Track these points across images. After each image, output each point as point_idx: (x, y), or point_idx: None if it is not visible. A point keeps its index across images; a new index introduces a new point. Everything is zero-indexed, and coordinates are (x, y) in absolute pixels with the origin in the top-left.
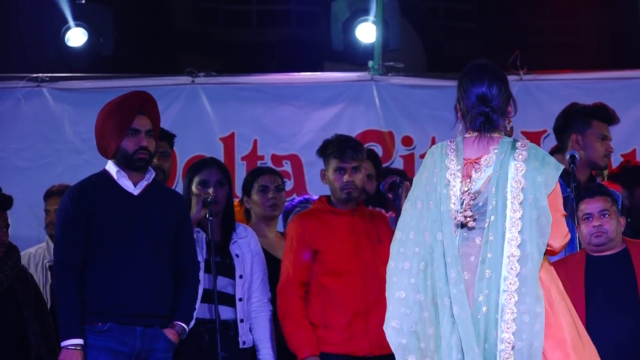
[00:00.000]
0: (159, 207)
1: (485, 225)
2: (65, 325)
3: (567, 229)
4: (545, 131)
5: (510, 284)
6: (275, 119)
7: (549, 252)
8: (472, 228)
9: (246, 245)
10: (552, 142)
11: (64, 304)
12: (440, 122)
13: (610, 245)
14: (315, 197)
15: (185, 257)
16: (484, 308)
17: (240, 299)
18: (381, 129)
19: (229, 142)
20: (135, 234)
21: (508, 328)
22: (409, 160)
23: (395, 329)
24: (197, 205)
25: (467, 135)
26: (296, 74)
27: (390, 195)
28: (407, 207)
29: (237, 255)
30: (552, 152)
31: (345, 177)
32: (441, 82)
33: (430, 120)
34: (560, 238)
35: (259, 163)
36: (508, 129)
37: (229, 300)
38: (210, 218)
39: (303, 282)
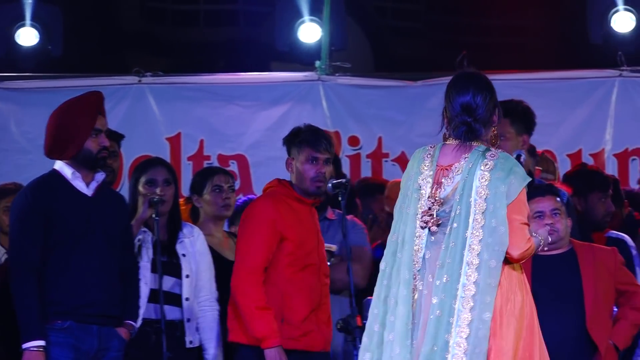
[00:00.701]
0: (111, 208)
1: (447, 231)
2: (26, 327)
3: (527, 236)
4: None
5: (467, 290)
6: (222, 118)
7: (512, 260)
8: (436, 232)
9: (193, 245)
10: None
11: (24, 305)
12: (386, 122)
13: (559, 245)
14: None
15: (129, 257)
16: (438, 311)
17: (187, 299)
18: (328, 129)
19: (175, 142)
20: (93, 235)
21: (461, 332)
22: (355, 160)
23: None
24: (143, 205)
25: (448, 142)
26: (243, 74)
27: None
28: (394, 208)
29: (183, 255)
30: None
31: (318, 168)
32: (388, 82)
33: (377, 120)
34: (518, 247)
35: (205, 163)
36: (492, 136)
37: (176, 300)
38: (156, 218)
39: (265, 268)
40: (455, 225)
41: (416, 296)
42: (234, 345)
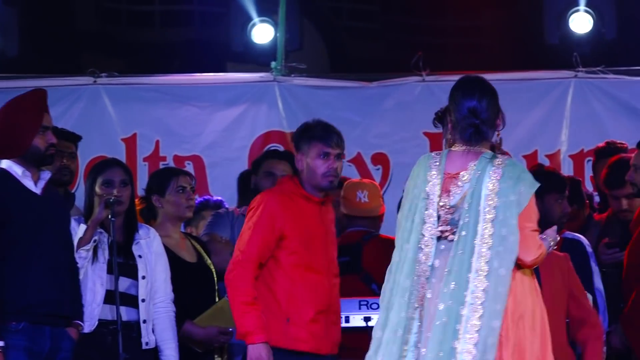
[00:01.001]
0: (59, 207)
1: (456, 239)
2: None
3: (539, 242)
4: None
5: (476, 297)
6: (178, 119)
7: (525, 266)
8: (451, 241)
9: (149, 246)
10: None
11: None
12: (342, 123)
13: None
14: (217, 198)
15: (73, 256)
16: (444, 318)
17: (143, 300)
18: (284, 130)
19: (130, 142)
20: (45, 234)
21: (470, 339)
22: None
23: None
24: (99, 205)
25: (453, 148)
26: (199, 74)
27: None
28: (399, 216)
29: (139, 256)
30: None
31: (330, 163)
32: (344, 83)
33: (333, 121)
34: (530, 253)
35: (161, 164)
36: (498, 140)
37: (132, 301)
38: (112, 219)
39: (261, 263)
40: (463, 233)
41: (425, 304)
42: None
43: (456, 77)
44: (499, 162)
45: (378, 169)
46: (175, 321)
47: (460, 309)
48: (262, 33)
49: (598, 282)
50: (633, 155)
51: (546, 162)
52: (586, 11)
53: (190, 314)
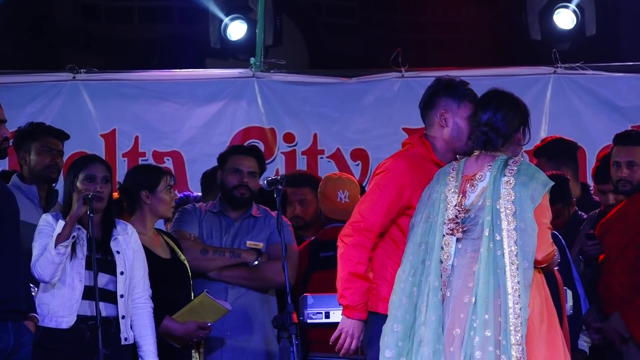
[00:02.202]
0: (13, 201)
1: (477, 237)
2: None
3: (550, 240)
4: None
5: (514, 289)
6: (157, 115)
7: (535, 263)
8: (462, 240)
9: (127, 242)
10: None
11: None
12: (322, 119)
13: None
14: (197, 193)
15: (21, 250)
16: (486, 315)
17: (122, 296)
18: (263, 126)
19: (110, 138)
20: (5, 229)
21: (517, 332)
22: (291, 156)
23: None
24: (77, 201)
25: (473, 154)
26: (178, 70)
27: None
28: (413, 221)
29: (118, 252)
30: None
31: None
32: (323, 79)
33: (312, 117)
34: (543, 249)
35: (140, 160)
36: (519, 155)
37: (110, 297)
38: (91, 215)
39: (380, 233)
40: (487, 230)
41: (444, 302)
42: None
43: (435, 73)
44: (514, 161)
45: (357, 165)
46: (153, 317)
47: (497, 301)
48: (236, 30)
49: (575, 272)
50: (612, 151)
51: (526, 158)
52: (566, 7)
53: (167, 309)
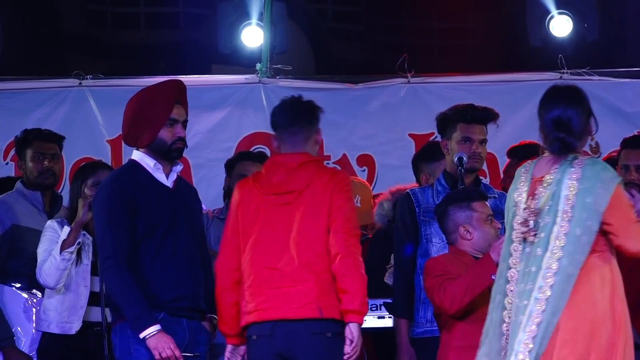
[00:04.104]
0: (190, 200)
1: (536, 240)
2: (138, 318)
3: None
4: (432, 134)
5: (541, 292)
6: None
7: (631, 255)
8: (532, 242)
9: None
10: None
11: (130, 298)
12: (328, 125)
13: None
14: None
15: (206, 249)
16: (520, 315)
17: None
18: (269, 132)
19: (116, 144)
20: (179, 228)
21: (530, 332)
22: None
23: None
24: (83, 207)
25: (544, 155)
26: (184, 76)
27: None
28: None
29: None
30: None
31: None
32: (329, 85)
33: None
34: (633, 241)
35: None
36: (594, 145)
37: None
38: None
39: None
40: (542, 234)
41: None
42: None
43: (441, 79)
44: (579, 163)
45: (364, 171)
46: None
47: (526, 304)
48: (253, 35)
49: None
50: (619, 155)
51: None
52: (562, 13)
53: None
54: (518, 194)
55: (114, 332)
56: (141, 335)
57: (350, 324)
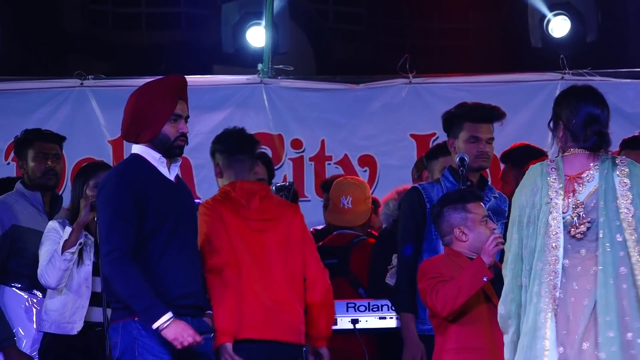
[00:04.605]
0: (190, 197)
1: (591, 239)
2: (149, 309)
3: None
4: (434, 134)
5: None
6: None
7: None
8: (580, 239)
9: None
10: None
11: (139, 290)
12: (329, 125)
13: None
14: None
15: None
16: (610, 314)
17: None
18: (270, 132)
19: (118, 144)
20: (183, 224)
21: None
22: (299, 163)
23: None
24: (84, 208)
25: (567, 153)
26: (185, 77)
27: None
28: (513, 227)
29: None
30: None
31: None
32: (330, 85)
33: (320, 123)
34: None
35: None
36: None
37: None
38: (98, 221)
39: None
40: (603, 231)
41: (560, 304)
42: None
43: (443, 80)
44: (622, 161)
45: (365, 171)
46: None
47: (622, 301)
48: (256, 35)
49: None
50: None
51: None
52: (568, 14)
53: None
54: (553, 190)
55: (115, 330)
56: (155, 326)
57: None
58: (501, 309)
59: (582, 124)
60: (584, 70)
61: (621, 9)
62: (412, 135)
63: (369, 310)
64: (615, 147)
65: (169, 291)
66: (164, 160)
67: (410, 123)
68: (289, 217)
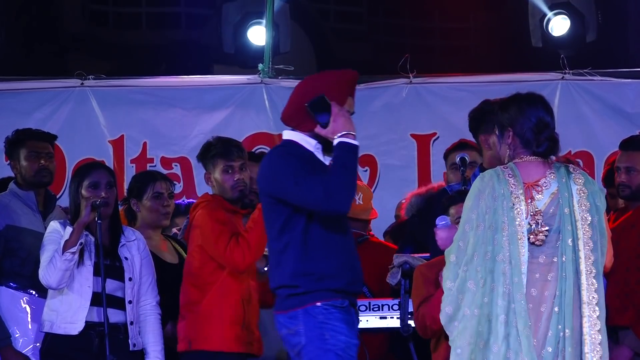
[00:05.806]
0: None
1: (551, 245)
2: None
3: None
4: (435, 134)
5: (591, 298)
6: (165, 121)
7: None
8: (539, 246)
9: (135, 248)
10: (441, 144)
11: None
12: None
13: None
14: (189, 200)
15: None
16: (559, 326)
17: (130, 302)
18: (271, 132)
19: (118, 144)
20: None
21: (597, 352)
22: None
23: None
24: (85, 208)
25: (519, 160)
26: (186, 77)
27: None
28: (464, 231)
29: (126, 258)
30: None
31: (236, 176)
32: None
33: None
34: (610, 258)
35: (148, 166)
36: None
37: (119, 303)
38: (99, 221)
39: None
40: (561, 238)
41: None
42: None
43: (443, 79)
44: (574, 169)
45: (366, 171)
46: (161, 323)
47: (578, 307)
48: (256, 35)
49: None
50: (617, 157)
51: None
52: (568, 14)
53: (173, 315)
54: (515, 196)
55: (293, 317)
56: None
57: None
58: (448, 309)
59: (534, 130)
60: (584, 70)
61: (621, 9)
62: (413, 135)
63: (369, 310)
64: (616, 147)
65: (341, 274)
66: (320, 146)
67: (410, 123)
68: None
